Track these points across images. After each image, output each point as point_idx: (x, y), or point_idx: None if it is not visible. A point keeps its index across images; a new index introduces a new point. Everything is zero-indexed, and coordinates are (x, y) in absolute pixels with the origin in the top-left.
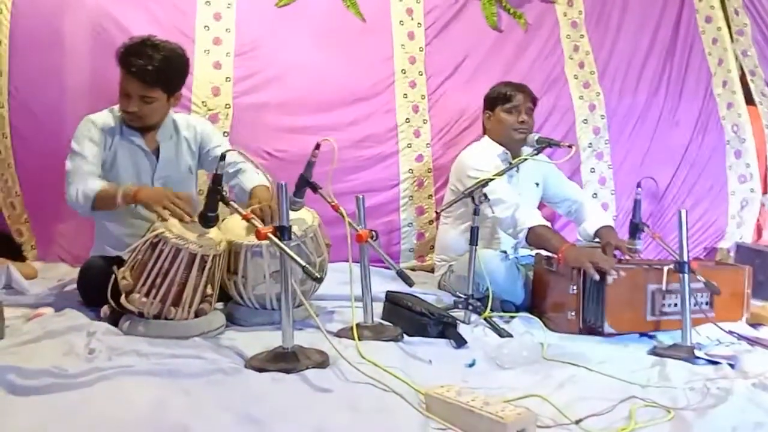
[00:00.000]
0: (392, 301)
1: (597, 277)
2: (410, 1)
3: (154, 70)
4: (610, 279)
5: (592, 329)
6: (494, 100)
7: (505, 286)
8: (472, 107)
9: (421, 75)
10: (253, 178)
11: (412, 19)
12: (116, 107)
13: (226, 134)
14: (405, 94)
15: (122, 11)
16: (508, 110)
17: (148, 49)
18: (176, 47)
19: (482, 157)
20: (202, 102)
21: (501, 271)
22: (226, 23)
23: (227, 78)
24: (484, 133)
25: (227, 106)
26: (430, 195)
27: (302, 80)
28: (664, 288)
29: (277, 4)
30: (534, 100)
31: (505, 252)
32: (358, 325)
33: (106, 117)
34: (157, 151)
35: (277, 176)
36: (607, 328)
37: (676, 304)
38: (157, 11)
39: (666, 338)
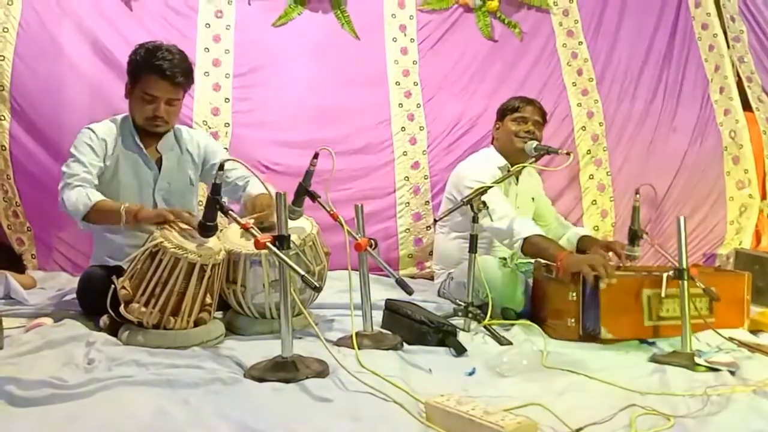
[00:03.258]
0: (392, 309)
1: (593, 283)
2: (404, 17)
3: (181, 71)
4: (603, 284)
5: (591, 336)
6: (504, 111)
7: (505, 293)
8: (468, 114)
9: (416, 85)
10: (259, 187)
11: (405, 35)
12: (118, 117)
13: (225, 150)
14: (400, 104)
15: (125, 33)
16: (515, 119)
17: (166, 53)
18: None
19: (481, 167)
20: (203, 121)
21: (500, 278)
22: (225, 45)
23: (226, 99)
24: (492, 143)
25: (226, 125)
26: (427, 201)
27: (298, 97)
28: (662, 294)
29: (273, 24)
30: (543, 115)
31: (504, 259)
32: (357, 333)
33: (107, 127)
34: (159, 162)
35: (276, 188)
36: (605, 334)
37: (674, 310)
38: (159, 34)
39: (666, 345)
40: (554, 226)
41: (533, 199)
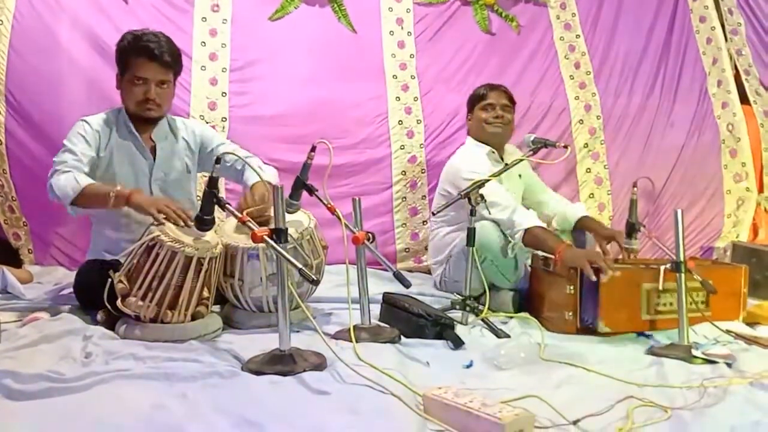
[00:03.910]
0: (389, 302)
1: (594, 278)
2: (400, 11)
3: (168, 51)
4: (603, 278)
5: (589, 329)
6: (472, 101)
7: (501, 257)
8: (466, 108)
9: (413, 78)
10: (254, 174)
11: (402, 28)
12: (113, 110)
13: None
14: (397, 97)
15: (121, 27)
16: (483, 107)
17: (152, 36)
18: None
19: (473, 158)
20: (200, 116)
21: (497, 243)
22: (221, 38)
23: (223, 93)
24: (468, 134)
25: (224, 119)
26: (424, 196)
27: (295, 92)
28: (660, 287)
29: (270, 18)
30: (510, 98)
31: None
32: (355, 327)
33: (101, 118)
34: (153, 151)
35: (275, 173)
36: (602, 327)
37: (671, 303)
38: (155, 28)
39: (663, 338)
40: (544, 198)
41: (520, 176)
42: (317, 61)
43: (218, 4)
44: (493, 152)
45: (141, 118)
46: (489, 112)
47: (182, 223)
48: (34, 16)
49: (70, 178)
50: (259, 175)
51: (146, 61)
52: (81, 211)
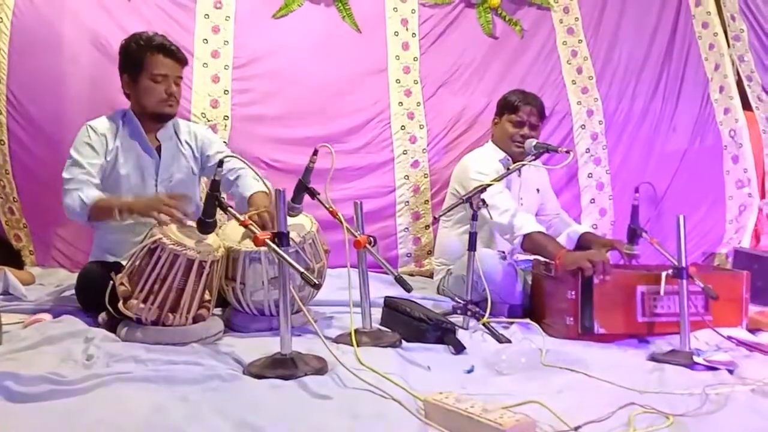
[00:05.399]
0: (391, 306)
1: (596, 277)
2: (405, 11)
3: (178, 49)
4: (596, 279)
5: (589, 334)
6: (503, 107)
7: (503, 286)
8: (469, 112)
9: (417, 83)
10: (251, 184)
11: (407, 29)
12: (117, 111)
13: (225, 144)
14: (400, 102)
15: (123, 24)
16: (512, 121)
17: (159, 36)
18: None
19: (484, 161)
20: (201, 113)
21: (498, 271)
22: (224, 36)
23: (225, 91)
24: (492, 138)
25: (225, 117)
26: (427, 200)
27: (298, 91)
28: (661, 293)
29: (274, 16)
30: (540, 114)
31: (503, 252)
32: (356, 331)
33: (105, 121)
34: (159, 151)
35: (274, 186)
36: (598, 328)
37: (669, 307)
38: (156, 25)
39: (664, 344)
40: (555, 221)
41: (538, 190)
42: (321, 60)
43: (221, 1)
44: (508, 159)
45: (155, 117)
46: (516, 128)
47: (186, 222)
48: (33, 13)
49: (76, 198)
50: (263, 181)
51: (164, 58)
52: (97, 223)
